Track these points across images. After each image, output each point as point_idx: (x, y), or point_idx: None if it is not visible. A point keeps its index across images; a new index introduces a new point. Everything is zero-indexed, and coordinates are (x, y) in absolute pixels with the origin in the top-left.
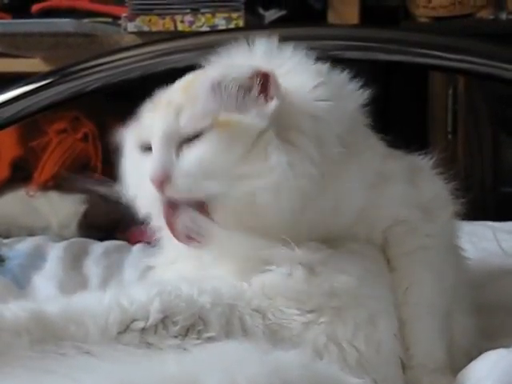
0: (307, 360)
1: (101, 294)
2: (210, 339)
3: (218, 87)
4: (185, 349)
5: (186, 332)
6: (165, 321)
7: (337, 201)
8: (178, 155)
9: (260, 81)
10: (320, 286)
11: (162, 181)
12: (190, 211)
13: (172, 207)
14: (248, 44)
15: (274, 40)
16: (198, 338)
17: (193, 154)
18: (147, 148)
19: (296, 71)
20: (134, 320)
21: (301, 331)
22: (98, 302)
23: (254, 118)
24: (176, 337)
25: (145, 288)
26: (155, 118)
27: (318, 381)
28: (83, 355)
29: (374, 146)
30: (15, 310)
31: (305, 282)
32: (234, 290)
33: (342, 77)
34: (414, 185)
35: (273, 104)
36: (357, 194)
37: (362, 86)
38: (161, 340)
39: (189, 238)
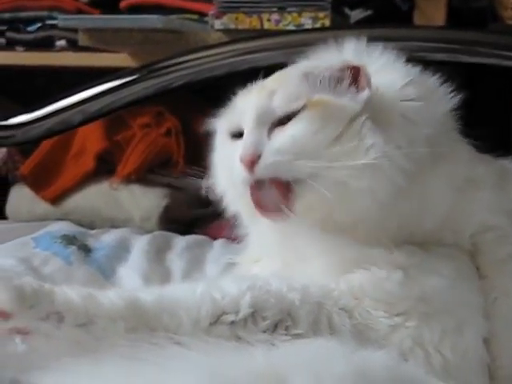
0: (393, 361)
1: (193, 285)
2: (297, 336)
3: (310, 75)
4: (273, 344)
5: (274, 327)
6: (254, 315)
7: (422, 204)
8: (269, 137)
9: (351, 73)
10: (412, 290)
11: (252, 160)
12: (276, 194)
13: (258, 188)
14: (336, 45)
15: (363, 40)
16: (286, 334)
17: (285, 134)
18: (239, 134)
19: (386, 70)
20: (225, 313)
21: (387, 333)
22: (190, 293)
23: (347, 101)
24: (265, 332)
25: (236, 282)
26: (248, 102)
27: (403, 382)
28: (174, 345)
29: (463, 151)
30: (112, 297)
31: (399, 285)
32: (322, 288)
33: (432, 79)
34: (503, 190)
35: (365, 93)
36: (443, 199)
37: (452, 91)
38: (250, 334)
39: (274, 211)
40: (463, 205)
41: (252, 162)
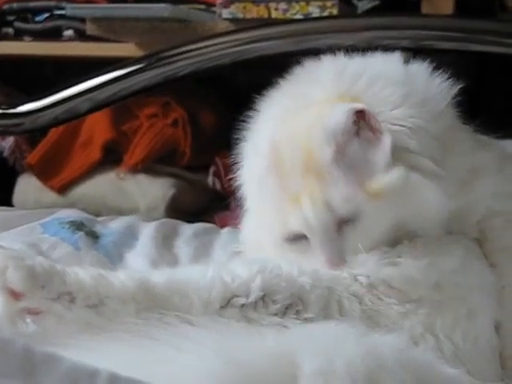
0: (404, 345)
1: (204, 268)
2: (308, 320)
3: (340, 157)
4: (284, 326)
5: (284, 311)
6: (265, 298)
7: (419, 206)
8: (340, 234)
9: (359, 119)
10: (428, 277)
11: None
12: None
13: None
14: (313, 64)
15: (340, 55)
16: (296, 318)
17: (361, 232)
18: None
19: (373, 87)
20: (235, 296)
21: (397, 319)
22: (201, 275)
23: (389, 173)
24: (275, 315)
25: (246, 265)
26: (300, 212)
27: (413, 366)
28: (186, 325)
29: (465, 141)
30: (123, 278)
31: (419, 273)
32: (333, 273)
33: (425, 75)
34: (505, 174)
35: (387, 140)
36: (438, 197)
37: (448, 78)
38: (261, 316)
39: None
40: (468, 195)
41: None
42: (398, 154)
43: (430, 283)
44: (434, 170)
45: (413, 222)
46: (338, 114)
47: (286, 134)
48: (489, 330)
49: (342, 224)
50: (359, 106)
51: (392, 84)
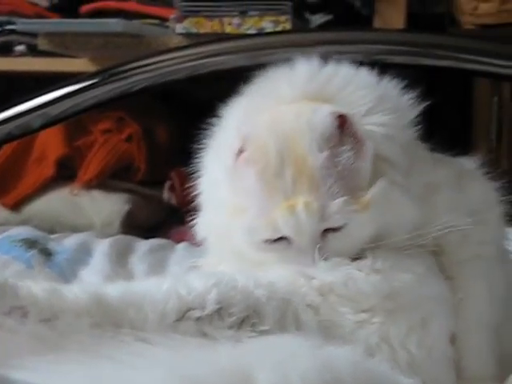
0: (359, 357)
1: (159, 281)
2: (264, 332)
3: (329, 161)
4: (239, 340)
5: (240, 324)
6: (220, 311)
7: (394, 217)
8: (325, 240)
9: (340, 125)
10: (381, 288)
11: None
12: None
13: None
14: (287, 65)
15: (315, 59)
16: (252, 331)
17: (344, 240)
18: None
19: (347, 89)
20: (191, 308)
21: (353, 329)
22: (156, 288)
23: (377, 183)
24: (231, 328)
25: (202, 278)
26: (294, 219)
27: (368, 378)
28: (140, 342)
29: (423, 158)
30: (77, 291)
31: (370, 285)
32: (290, 284)
33: (395, 87)
34: (463, 191)
35: (368, 148)
36: (409, 210)
37: (414, 97)
38: (216, 330)
39: None
40: (426, 210)
41: None
42: (374, 162)
43: (383, 294)
44: (402, 181)
45: (388, 233)
46: (323, 118)
47: (262, 131)
48: (444, 339)
49: (328, 230)
50: (341, 110)
51: (365, 88)
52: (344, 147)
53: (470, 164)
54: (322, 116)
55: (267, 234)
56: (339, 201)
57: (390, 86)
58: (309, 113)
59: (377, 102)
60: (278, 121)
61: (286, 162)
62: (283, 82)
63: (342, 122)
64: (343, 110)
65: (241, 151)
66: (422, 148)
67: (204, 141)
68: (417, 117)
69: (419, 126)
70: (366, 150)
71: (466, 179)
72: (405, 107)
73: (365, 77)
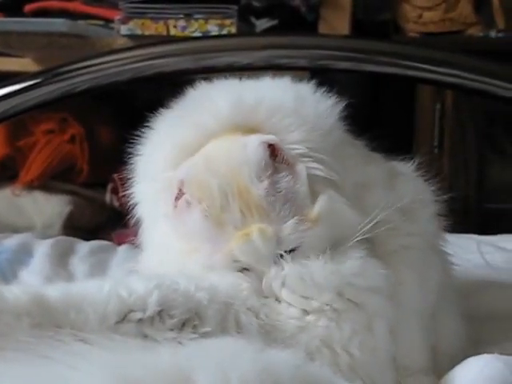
0: (299, 361)
1: (101, 282)
2: (205, 334)
3: (270, 188)
4: (180, 342)
5: (182, 326)
6: (161, 313)
7: (342, 223)
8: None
9: (271, 153)
10: (332, 281)
11: None
12: None
13: None
14: (206, 89)
15: (234, 81)
16: (193, 333)
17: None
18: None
19: (273, 114)
20: (132, 311)
21: (294, 334)
22: (97, 290)
23: (319, 198)
24: (172, 330)
25: (143, 280)
26: (251, 246)
27: (308, 382)
28: (80, 343)
29: (354, 156)
30: (17, 292)
31: (321, 275)
32: (232, 287)
33: (312, 95)
34: (393, 189)
35: (302, 169)
36: (352, 212)
37: (333, 96)
38: (157, 332)
39: None
40: (357, 207)
41: None
42: (309, 178)
43: (333, 288)
44: (341, 185)
45: (341, 239)
46: (255, 150)
47: (198, 172)
48: (387, 338)
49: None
50: (270, 138)
51: (287, 113)
52: (281, 174)
53: (406, 166)
54: (254, 148)
55: (222, 259)
56: (291, 222)
57: (308, 98)
58: (240, 147)
59: (295, 117)
60: (211, 160)
61: (230, 196)
62: (207, 113)
63: (273, 150)
64: (270, 138)
65: (179, 196)
66: (353, 146)
67: (137, 147)
68: (341, 115)
69: (347, 125)
70: (299, 172)
71: (399, 180)
72: (323, 114)
73: (285, 99)
